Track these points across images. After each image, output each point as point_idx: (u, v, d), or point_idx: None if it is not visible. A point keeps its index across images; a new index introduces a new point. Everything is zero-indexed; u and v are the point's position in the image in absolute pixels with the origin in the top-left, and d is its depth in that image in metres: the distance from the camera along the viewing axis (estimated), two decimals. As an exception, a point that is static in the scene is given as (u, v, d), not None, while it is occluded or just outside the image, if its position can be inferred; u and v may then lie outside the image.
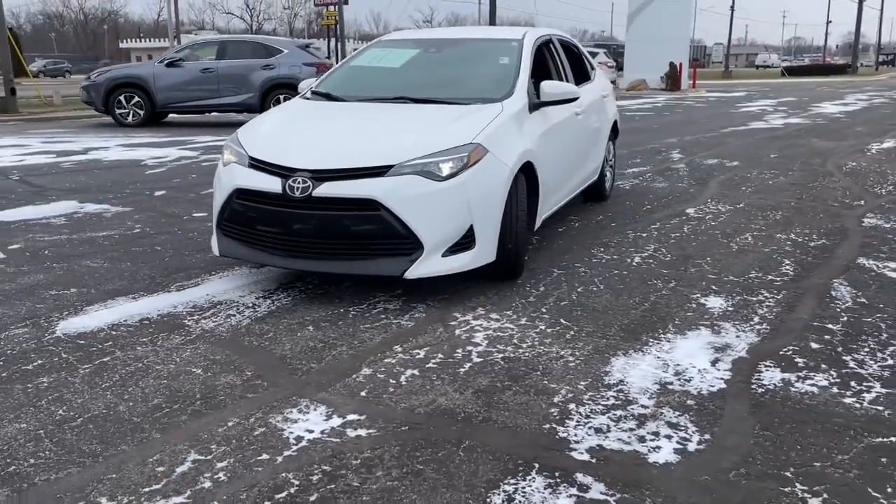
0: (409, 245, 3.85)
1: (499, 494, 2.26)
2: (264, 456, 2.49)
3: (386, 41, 5.86)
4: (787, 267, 4.77)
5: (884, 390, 2.99)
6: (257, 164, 4.09)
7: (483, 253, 4.05)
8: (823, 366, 3.23)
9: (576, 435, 2.63)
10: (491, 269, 4.28)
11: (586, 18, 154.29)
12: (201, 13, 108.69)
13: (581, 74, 6.47)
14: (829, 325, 3.72)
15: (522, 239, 4.29)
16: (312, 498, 2.24)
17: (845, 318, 3.82)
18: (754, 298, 4.15)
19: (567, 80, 5.71)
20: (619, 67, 36.58)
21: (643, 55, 33.19)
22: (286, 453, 2.51)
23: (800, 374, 3.15)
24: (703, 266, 4.78)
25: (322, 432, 2.65)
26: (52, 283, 4.42)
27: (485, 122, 4.26)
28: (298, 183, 3.88)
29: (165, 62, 14.33)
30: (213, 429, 2.67)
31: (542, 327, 3.69)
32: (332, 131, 4.40)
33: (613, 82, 26.72)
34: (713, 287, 4.35)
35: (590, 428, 2.68)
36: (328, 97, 5.04)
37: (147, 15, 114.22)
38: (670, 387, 3.02)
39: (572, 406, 2.85)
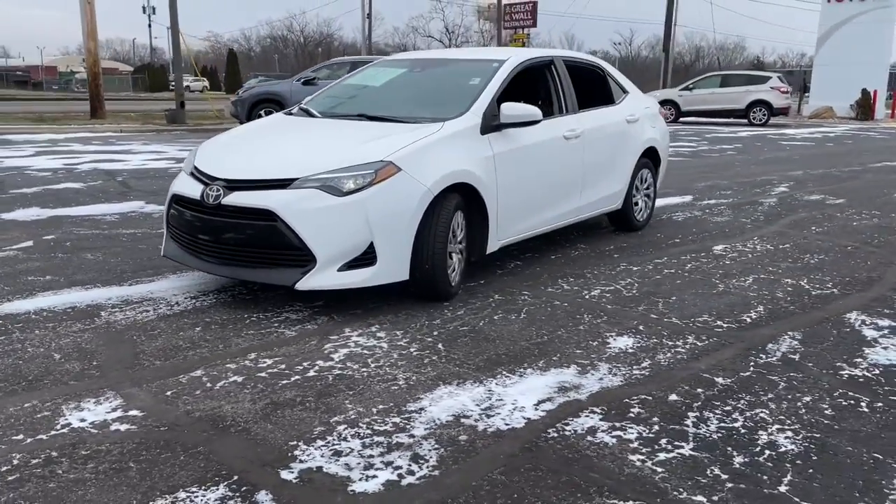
0: (303, 257, 3.94)
1: (161, 499, 2.30)
2: (19, 437, 2.70)
3: (384, 61, 6.01)
4: (752, 314, 4.32)
5: (689, 453, 2.66)
6: (194, 172, 4.37)
7: (388, 271, 4.05)
8: (654, 419, 2.93)
9: (309, 455, 2.60)
10: (414, 289, 4.26)
11: (786, 39, 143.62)
12: (404, 36, 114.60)
13: (599, 98, 6.22)
14: (718, 379, 3.35)
15: (440, 261, 4.22)
16: (11, 477, 2.41)
17: (746, 374, 3.42)
18: (671, 342, 3.81)
19: (563, 103, 5.53)
20: (806, 90, 34.09)
21: (832, 80, 30.69)
22: (38, 437, 2.70)
23: (617, 423, 2.88)
24: (657, 305, 4.44)
25: (90, 423, 2.82)
26: (38, 269, 4.97)
27: (409, 140, 4.26)
28: (213, 191, 4.11)
29: (302, 80, 15.36)
30: (6, 407, 2.93)
31: (412, 350, 3.63)
32: (271, 144, 4.60)
33: (784, 110, 24.87)
34: (640, 327, 4.04)
35: (331, 450, 2.64)
36: (307, 113, 5.25)
37: (357, 38, 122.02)
38: (463, 420, 2.89)
39: (342, 427, 2.82)
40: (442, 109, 4.72)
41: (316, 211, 3.92)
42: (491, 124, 4.69)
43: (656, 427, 2.86)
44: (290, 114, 5.34)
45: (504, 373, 3.37)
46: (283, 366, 3.41)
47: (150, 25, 71.53)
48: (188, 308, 4.21)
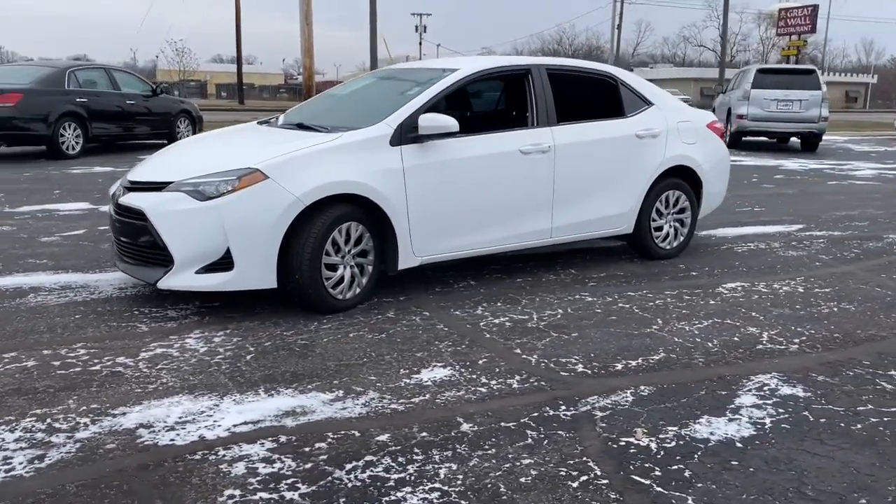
0: (166, 257, 4.13)
1: None
2: None
3: (372, 72, 5.99)
4: (635, 362, 3.71)
5: (290, 496, 2.42)
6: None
7: (247, 277, 4.10)
8: (323, 457, 2.69)
9: (-35, 438, 2.78)
10: (296, 299, 4.29)
11: None
12: (674, 46, 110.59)
13: (603, 109, 5.67)
14: (466, 426, 2.96)
15: (311, 272, 4.16)
16: None
17: (505, 425, 2.98)
18: (487, 380, 3.43)
19: (534, 115, 5.13)
20: None
21: None
22: None
23: (277, 455, 2.69)
24: (542, 341, 3.99)
25: None
26: (32, 255, 5.67)
27: (290, 149, 4.27)
28: (119, 192, 4.46)
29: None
30: None
31: (214, 358, 3.65)
32: (191, 150, 4.84)
33: None
34: (481, 361, 3.67)
35: (-12, 437, 2.79)
36: (266, 122, 5.45)
37: (627, 48, 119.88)
38: (140, 431, 2.88)
39: (26, 421, 2.95)
40: (366, 119, 4.64)
41: (177, 213, 4.08)
42: (408, 136, 4.52)
43: (306, 465, 2.62)
44: (263, 122, 5.56)
45: (260, 391, 3.27)
46: (85, 356, 3.61)
47: (420, 43, 76.71)
48: (104, 297, 4.59)
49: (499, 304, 4.62)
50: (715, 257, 6.05)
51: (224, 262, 4.08)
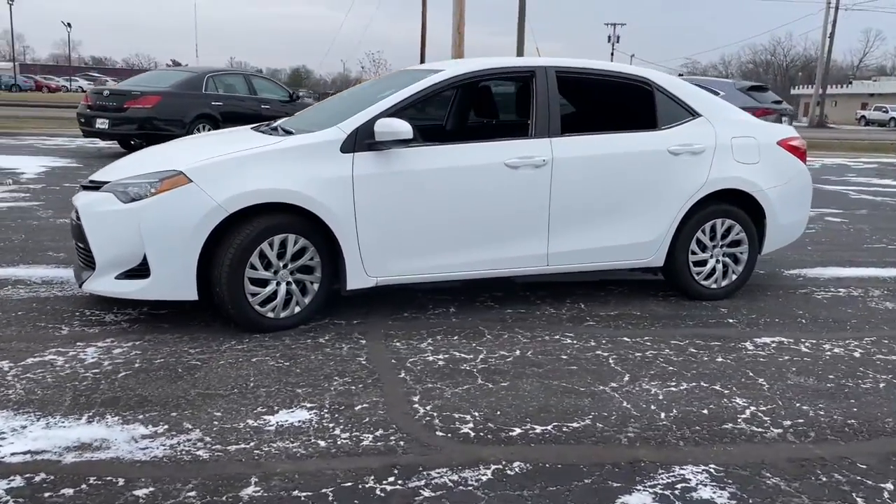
0: (92, 259, 3.98)
1: None
2: None
3: (391, 73, 5.53)
4: (534, 428, 3.01)
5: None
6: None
7: (164, 287, 3.84)
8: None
9: None
10: (224, 314, 4.00)
11: None
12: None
13: (632, 119, 4.85)
14: (246, 492, 2.48)
15: (232, 287, 3.83)
16: None
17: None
18: (339, 434, 2.90)
19: (534, 124, 4.45)
20: None
21: None
22: None
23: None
24: (455, 389, 3.38)
25: None
26: None
27: (225, 152, 3.97)
28: (77, 192, 4.40)
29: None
30: None
31: (94, 371, 3.42)
32: (162, 151, 4.66)
33: None
34: (359, 407, 3.14)
35: None
36: (269, 126, 5.19)
37: (852, 60, 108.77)
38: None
39: None
40: (327, 122, 4.25)
41: (101, 215, 3.91)
42: (364, 142, 4.06)
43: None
44: (264, 126, 5.31)
45: (85, 415, 2.97)
46: (-22, 357, 3.51)
47: (611, 54, 74.83)
48: (44, 296, 4.51)
49: (456, 337, 4.02)
50: (777, 302, 4.98)
51: (142, 269, 3.85)
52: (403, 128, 3.98)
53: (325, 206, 3.94)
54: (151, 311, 4.27)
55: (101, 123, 12.30)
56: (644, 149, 4.61)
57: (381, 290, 4.25)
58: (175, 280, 3.82)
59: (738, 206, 4.89)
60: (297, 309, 4.07)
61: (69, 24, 65.66)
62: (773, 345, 4.11)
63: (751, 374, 3.66)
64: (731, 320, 4.54)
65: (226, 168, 3.87)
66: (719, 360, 3.84)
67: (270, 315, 3.99)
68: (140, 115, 12.01)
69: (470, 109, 5.54)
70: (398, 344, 3.90)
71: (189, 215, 3.77)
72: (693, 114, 4.82)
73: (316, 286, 4.11)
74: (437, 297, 4.78)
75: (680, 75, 15.96)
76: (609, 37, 76.86)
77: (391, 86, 4.57)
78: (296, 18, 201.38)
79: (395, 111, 4.17)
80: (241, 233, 3.83)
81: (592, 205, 4.52)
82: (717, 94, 13.09)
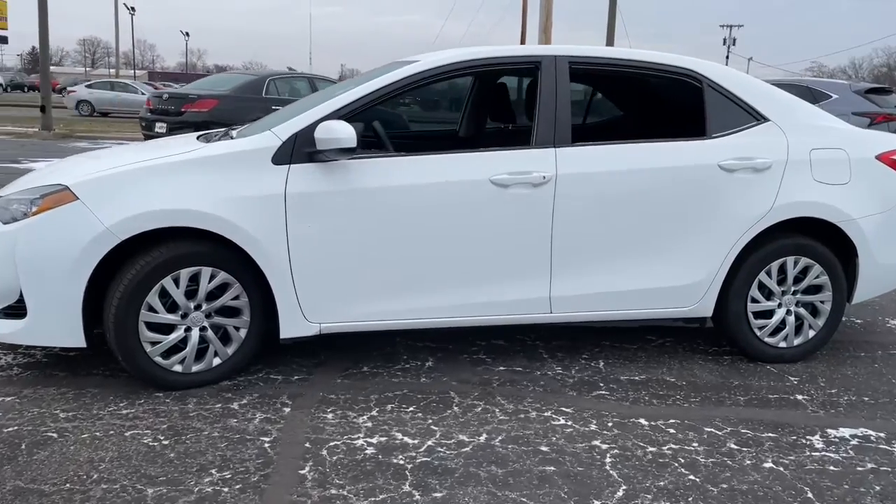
0: (-27, 291, 3.26)
1: None
2: None
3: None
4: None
5: None
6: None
7: (43, 330, 3.06)
8: None
9: None
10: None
11: None
12: None
13: (676, 124, 3.76)
14: None
15: (122, 333, 3.02)
16: None
17: None
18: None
19: (535, 129, 3.43)
20: None
21: None
22: None
23: None
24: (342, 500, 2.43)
25: None
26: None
27: (129, 161, 3.17)
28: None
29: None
30: None
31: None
32: (79, 161, 3.86)
33: None
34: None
35: None
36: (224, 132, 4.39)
37: None
38: None
39: None
40: (275, 124, 3.39)
41: (-22, 239, 3.18)
42: (304, 151, 3.17)
43: None
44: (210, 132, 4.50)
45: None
46: None
47: (727, 57, 71.29)
48: None
49: (412, 409, 3.06)
50: (870, 370, 3.74)
51: (20, 307, 3.08)
52: (344, 133, 3.05)
53: (246, 231, 3.07)
54: (63, 351, 3.52)
55: (160, 127, 12.02)
56: (686, 163, 3.49)
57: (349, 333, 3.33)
58: (56, 322, 3.04)
59: (818, 239, 3.68)
60: (217, 361, 3.22)
61: (187, 34, 68.50)
62: (854, 442, 2.92)
63: (810, 495, 2.51)
64: (799, 396, 3.35)
65: (122, 182, 3.06)
66: (767, 466, 2.70)
67: (178, 369, 3.15)
68: (197, 118, 11.61)
69: (455, 111, 4.55)
70: (329, 416, 2.97)
71: (71, 241, 2.98)
72: (758, 118, 3.65)
73: (243, 332, 3.24)
74: (418, 343, 3.83)
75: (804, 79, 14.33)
76: (724, 39, 73.43)
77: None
78: (406, 27, 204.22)
79: (347, 113, 3.25)
80: (134, 265, 3.00)
81: (611, 236, 3.45)
82: (827, 96, 11.53)
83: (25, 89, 50.73)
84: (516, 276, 3.40)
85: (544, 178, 3.33)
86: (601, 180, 3.39)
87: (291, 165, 3.16)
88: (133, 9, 55.07)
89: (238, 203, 3.08)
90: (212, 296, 3.17)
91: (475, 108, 4.67)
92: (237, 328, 3.24)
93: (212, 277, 3.14)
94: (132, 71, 65.26)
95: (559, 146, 3.40)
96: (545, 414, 3.06)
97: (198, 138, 3.62)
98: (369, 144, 3.60)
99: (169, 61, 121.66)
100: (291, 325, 3.23)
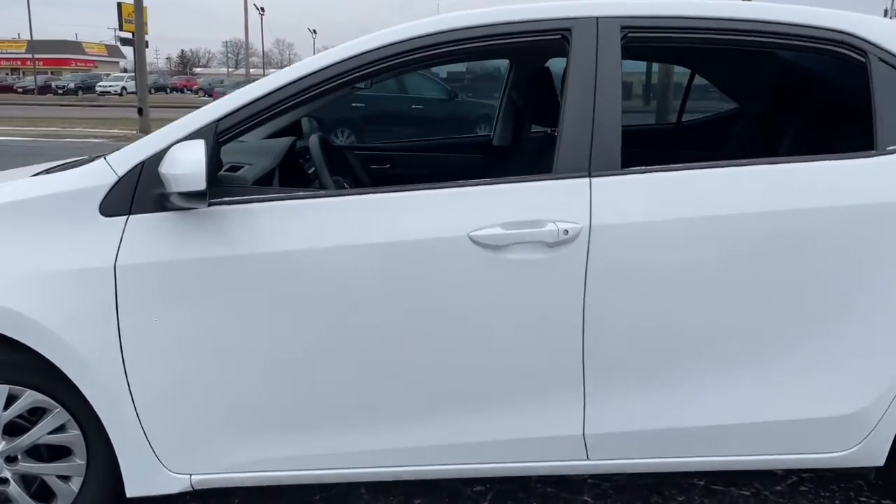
0: None
1: None
2: None
3: None
4: None
5: None
6: None
7: None
8: None
9: None
10: None
11: None
12: None
13: (828, 129, 2.20)
14: None
15: None
16: None
17: None
18: None
19: (560, 150, 1.97)
20: None
21: None
22: None
23: None
24: None
25: None
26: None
27: None
28: None
29: None
30: None
31: None
32: None
33: None
34: None
35: None
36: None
37: None
38: None
39: None
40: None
41: None
42: (151, 192, 1.88)
43: None
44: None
45: None
46: None
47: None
48: None
49: None
50: None
51: None
52: (184, 166, 1.73)
53: (52, 332, 1.82)
54: None
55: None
56: (841, 200, 1.93)
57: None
58: None
59: None
60: (17, 529, 2.00)
61: (314, 31, 69.74)
62: None
63: None
64: None
65: None
66: None
67: (-43, 544, 1.95)
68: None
69: (426, 119, 3.20)
70: None
71: None
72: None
73: (76, 484, 2.01)
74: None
75: None
76: (886, 10, 66.81)
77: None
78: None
79: (237, 123, 1.93)
80: None
81: (694, 333, 1.94)
82: None
83: (168, 90, 53.15)
84: (521, 400, 1.97)
85: (567, 232, 1.87)
86: (677, 235, 1.90)
87: (131, 218, 1.88)
88: (262, 9, 56.44)
89: (41, 283, 1.84)
90: (12, 430, 1.94)
91: (510, 105, 3.24)
92: (65, 477, 2.00)
93: (11, 400, 1.92)
94: (272, 70, 67.17)
95: (598, 174, 1.92)
96: None
97: (45, 171, 2.38)
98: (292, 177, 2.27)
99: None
100: (142, 478, 1.97)
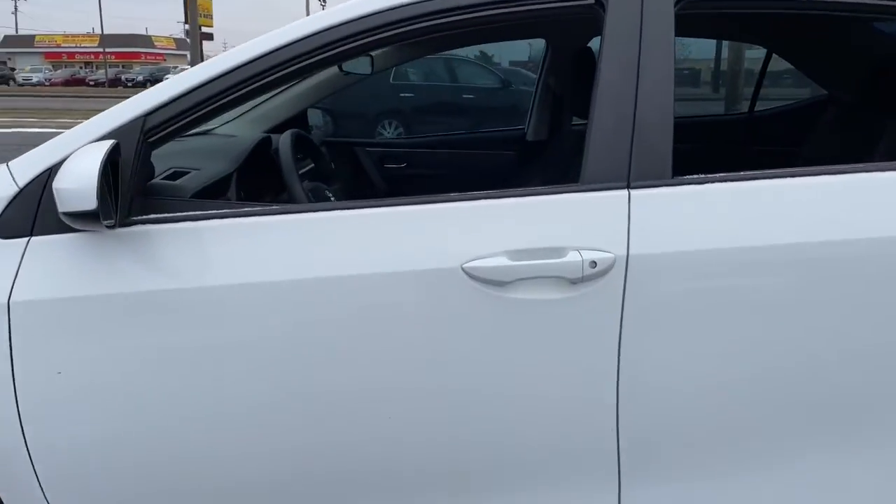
0: None
1: None
2: None
3: None
4: None
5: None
6: None
7: None
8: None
9: None
10: None
11: None
12: None
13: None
14: None
15: None
16: None
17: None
18: None
19: (589, 156, 1.47)
20: None
21: None
22: None
23: None
24: None
25: None
26: None
27: None
28: None
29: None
30: None
31: None
32: None
33: None
34: None
35: None
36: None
37: None
38: None
39: None
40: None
41: None
42: (59, 210, 1.46)
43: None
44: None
45: None
46: None
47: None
48: None
49: None
50: None
51: None
52: (70, 181, 1.31)
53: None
54: None
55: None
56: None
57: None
58: None
59: None
60: None
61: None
62: None
63: None
64: None
65: None
66: None
67: None
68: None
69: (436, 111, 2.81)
70: None
71: None
72: None
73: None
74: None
75: None
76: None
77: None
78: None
79: (167, 122, 1.50)
80: None
81: (772, 398, 1.42)
82: None
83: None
84: (529, 489, 1.48)
85: (595, 264, 1.37)
86: (752, 270, 1.38)
87: (32, 240, 1.47)
88: (324, 2, 56.68)
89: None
90: None
91: (546, 94, 2.73)
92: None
93: None
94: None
95: (640, 185, 1.42)
96: None
97: None
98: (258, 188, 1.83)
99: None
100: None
